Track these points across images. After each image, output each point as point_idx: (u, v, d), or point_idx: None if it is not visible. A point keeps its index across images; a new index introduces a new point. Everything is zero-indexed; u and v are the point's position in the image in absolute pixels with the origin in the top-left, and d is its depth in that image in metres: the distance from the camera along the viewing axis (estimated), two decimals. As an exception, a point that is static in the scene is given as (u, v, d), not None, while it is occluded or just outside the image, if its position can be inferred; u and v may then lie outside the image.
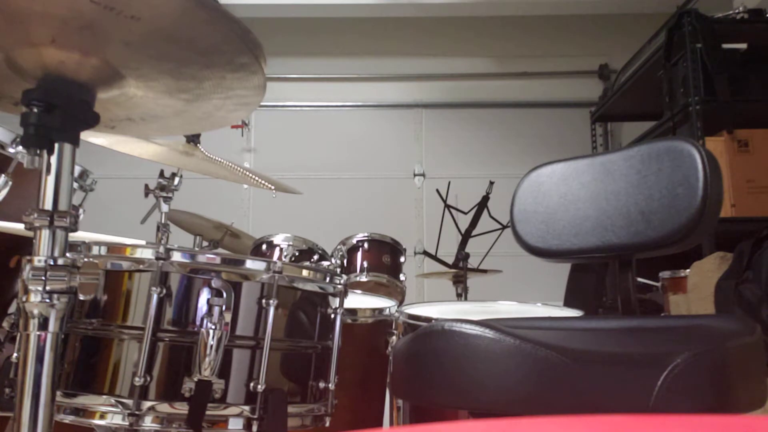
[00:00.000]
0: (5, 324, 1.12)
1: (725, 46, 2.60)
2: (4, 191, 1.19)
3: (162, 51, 0.73)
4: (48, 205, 0.76)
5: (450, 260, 2.62)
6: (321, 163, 4.26)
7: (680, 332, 0.93)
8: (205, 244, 2.37)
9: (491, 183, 2.70)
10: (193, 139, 1.71)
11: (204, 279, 0.97)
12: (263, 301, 1.01)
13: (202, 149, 1.72)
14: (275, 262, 1.02)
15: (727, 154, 2.52)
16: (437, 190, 2.83)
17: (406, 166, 4.29)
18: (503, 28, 4.40)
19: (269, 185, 1.73)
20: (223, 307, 0.95)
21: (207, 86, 0.82)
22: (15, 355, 0.86)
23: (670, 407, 0.69)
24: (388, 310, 1.49)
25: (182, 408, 0.93)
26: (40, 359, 0.74)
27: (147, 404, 0.92)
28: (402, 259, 2.18)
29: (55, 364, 0.75)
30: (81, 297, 0.76)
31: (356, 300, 1.59)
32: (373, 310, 1.47)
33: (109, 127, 0.97)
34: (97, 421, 0.94)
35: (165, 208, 1.81)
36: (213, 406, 0.94)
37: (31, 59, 0.75)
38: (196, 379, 0.93)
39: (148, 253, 0.97)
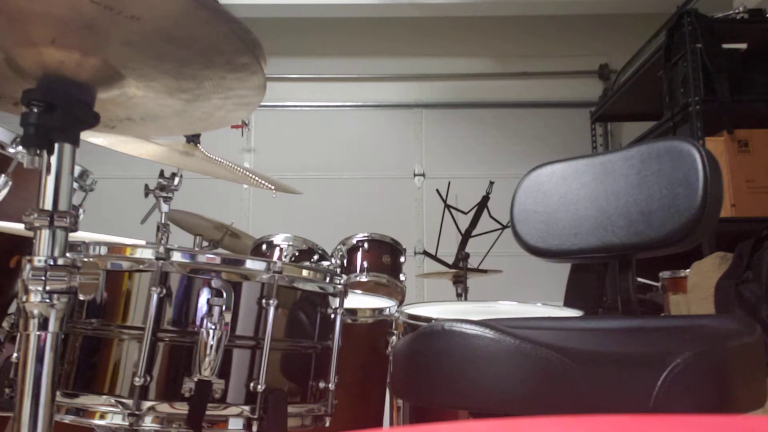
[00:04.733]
0: (5, 324, 1.12)
1: (725, 46, 2.60)
2: (4, 191, 1.19)
3: (162, 51, 0.73)
4: (48, 205, 0.76)
5: (450, 260, 2.63)
6: (321, 163, 4.26)
7: (680, 332, 0.93)
8: (205, 244, 2.37)
9: (491, 183, 2.70)
10: (193, 139, 1.72)
11: (204, 279, 0.97)
12: (263, 301, 1.01)
13: (202, 149, 1.72)
14: (275, 262, 1.02)
15: (727, 154, 2.52)
16: (437, 190, 2.83)
17: (406, 166, 4.29)
18: (503, 28, 4.40)
19: (269, 185, 1.73)
20: (223, 307, 0.95)
21: (207, 86, 0.82)
22: (15, 355, 0.86)
23: (671, 407, 0.69)
24: (388, 310, 1.49)
25: (182, 408, 0.93)
26: (40, 359, 0.74)
27: (147, 404, 0.92)
28: (402, 259, 2.18)
29: (55, 364, 0.75)
30: (81, 297, 0.76)
31: (356, 300, 1.59)
32: (373, 310, 1.47)
33: (109, 127, 0.97)
34: (97, 421, 0.94)
35: (165, 208, 1.81)
36: (213, 406, 0.94)
37: (31, 59, 0.75)
38: (196, 379, 0.93)
39: (148, 253, 0.97)
